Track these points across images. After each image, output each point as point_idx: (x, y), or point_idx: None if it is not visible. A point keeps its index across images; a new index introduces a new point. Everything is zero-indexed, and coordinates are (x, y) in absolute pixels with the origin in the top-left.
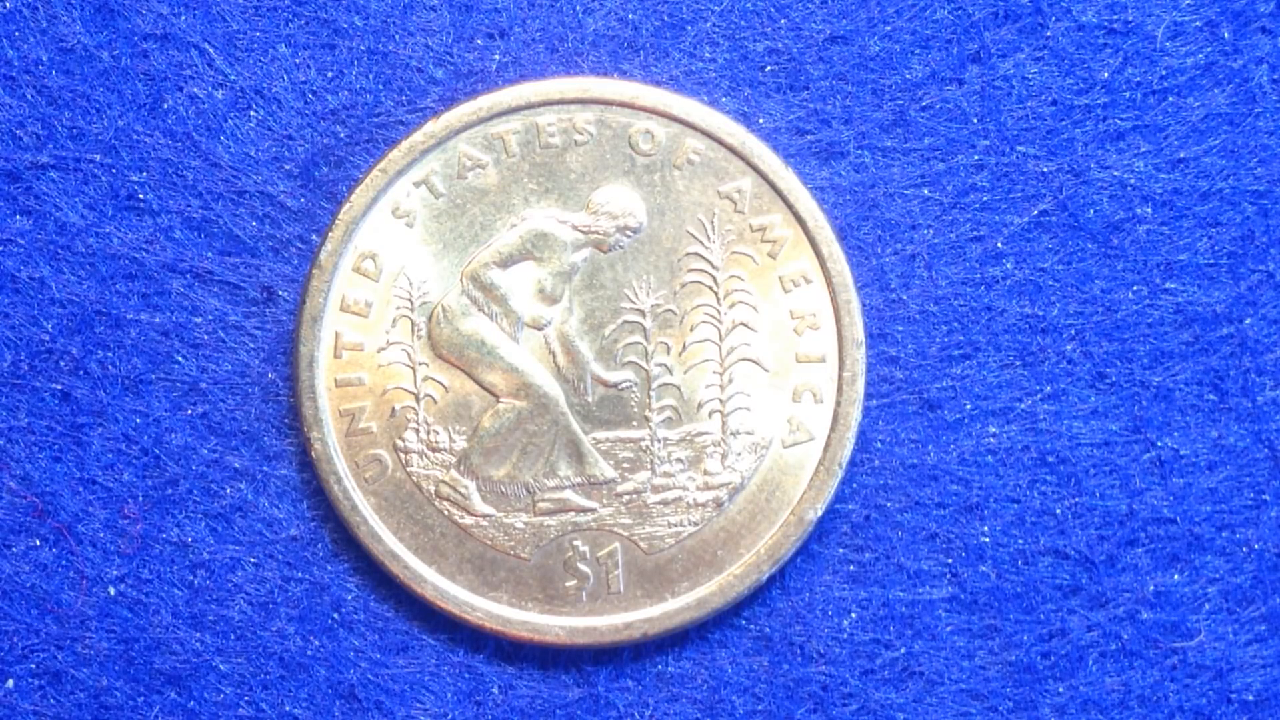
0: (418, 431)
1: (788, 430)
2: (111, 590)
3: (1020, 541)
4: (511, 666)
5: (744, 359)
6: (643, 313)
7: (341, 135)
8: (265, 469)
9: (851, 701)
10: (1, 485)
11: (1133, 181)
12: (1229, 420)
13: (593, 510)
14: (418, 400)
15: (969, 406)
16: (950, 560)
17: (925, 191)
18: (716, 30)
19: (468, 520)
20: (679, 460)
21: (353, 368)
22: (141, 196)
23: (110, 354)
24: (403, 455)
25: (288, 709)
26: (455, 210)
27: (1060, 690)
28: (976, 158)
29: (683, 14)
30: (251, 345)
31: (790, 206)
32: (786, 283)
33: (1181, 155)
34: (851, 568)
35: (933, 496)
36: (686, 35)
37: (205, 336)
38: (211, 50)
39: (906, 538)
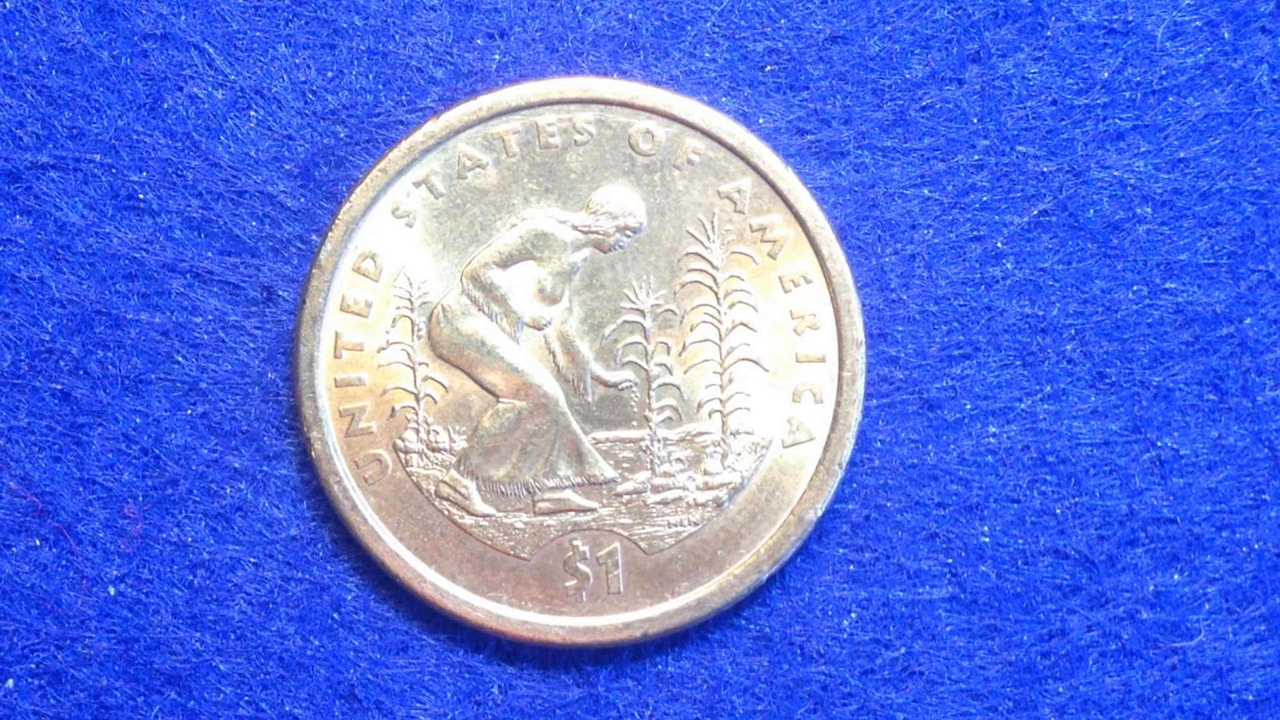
0: (418, 431)
1: (788, 430)
2: (111, 590)
3: (1020, 541)
4: (511, 666)
5: (744, 359)
6: (643, 313)
7: (341, 135)
8: (265, 469)
9: (851, 701)
10: (1, 485)
11: (1133, 181)
12: (1229, 420)
13: (593, 510)
14: (418, 400)
15: (969, 406)
16: (950, 560)
17: (925, 191)
18: (716, 30)
19: (468, 520)
20: (679, 460)
21: (353, 368)
22: (141, 196)
23: (110, 354)
24: (403, 455)
25: (288, 709)
26: (455, 210)
27: (1060, 690)
28: (976, 158)
29: (683, 14)
30: (251, 345)
31: (790, 206)
32: (786, 283)
33: (1181, 155)
34: (851, 568)
35: (933, 496)
36: (686, 35)
37: (205, 336)
38: (211, 50)
39: (906, 538)
